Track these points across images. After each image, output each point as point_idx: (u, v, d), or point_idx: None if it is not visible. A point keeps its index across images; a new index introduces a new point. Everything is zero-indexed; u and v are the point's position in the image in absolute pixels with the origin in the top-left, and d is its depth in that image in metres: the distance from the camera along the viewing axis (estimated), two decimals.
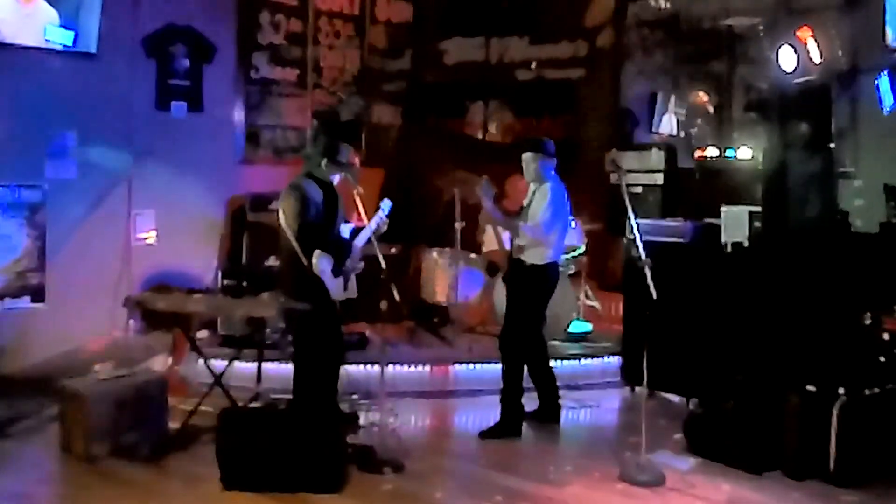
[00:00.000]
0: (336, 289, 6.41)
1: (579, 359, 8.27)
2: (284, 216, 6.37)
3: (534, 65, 11.04)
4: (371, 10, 10.94)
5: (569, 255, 8.74)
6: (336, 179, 6.53)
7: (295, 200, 6.29)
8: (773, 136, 6.98)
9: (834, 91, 7.50)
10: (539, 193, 6.76)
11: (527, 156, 6.84)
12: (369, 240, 6.48)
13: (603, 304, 9.64)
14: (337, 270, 6.38)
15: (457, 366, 7.99)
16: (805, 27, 7.03)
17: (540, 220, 6.65)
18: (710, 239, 7.40)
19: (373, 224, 6.54)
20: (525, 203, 6.88)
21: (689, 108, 10.46)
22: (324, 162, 6.47)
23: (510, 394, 6.80)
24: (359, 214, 6.47)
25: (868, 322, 6.68)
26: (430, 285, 9.25)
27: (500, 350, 6.91)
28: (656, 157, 9.18)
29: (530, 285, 6.81)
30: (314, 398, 6.40)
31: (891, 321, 6.58)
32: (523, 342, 6.86)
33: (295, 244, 6.27)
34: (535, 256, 6.74)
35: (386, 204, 6.70)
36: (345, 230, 6.66)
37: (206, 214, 9.33)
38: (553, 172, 6.85)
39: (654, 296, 5.82)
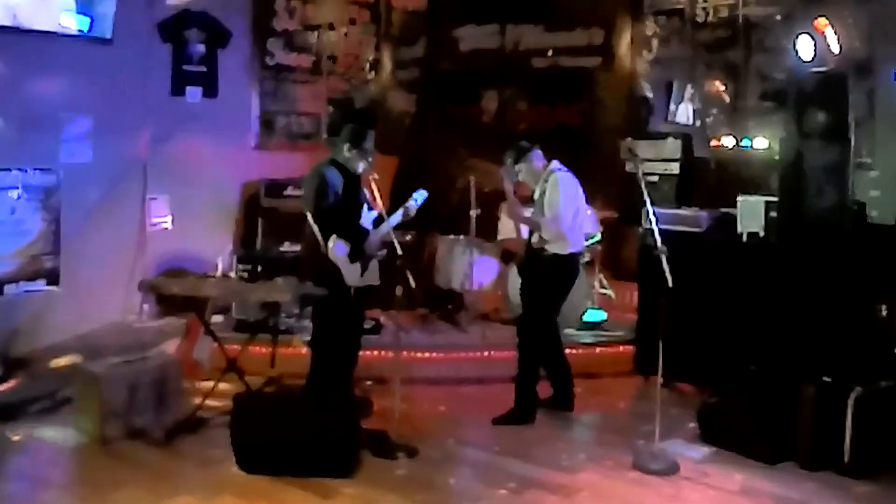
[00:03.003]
0: (351, 275, 6.41)
1: (593, 347, 8.27)
2: (304, 201, 6.40)
3: (550, 52, 11.00)
4: None
5: (585, 243, 8.72)
6: (361, 167, 6.52)
7: (314, 185, 6.32)
8: (790, 126, 6.93)
9: (851, 81, 7.43)
10: (550, 184, 6.72)
11: (519, 169, 6.84)
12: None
13: (617, 293, 9.62)
14: (354, 256, 6.39)
15: (470, 352, 8.00)
16: (822, 17, 6.98)
17: (558, 212, 6.62)
18: (725, 229, 7.38)
19: (400, 212, 6.54)
20: (536, 194, 6.83)
21: (705, 98, 10.42)
22: (346, 147, 6.47)
23: (525, 381, 6.79)
24: (374, 200, 6.46)
25: (884, 313, 6.66)
26: (444, 272, 9.25)
27: (518, 338, 6.90)
28: (672, 147, 9.14)
29: (551, 275, 6.79)
30: (329, 383, 6.43)
31: None
32: (541, 332, 6.85)
33: (315, 229, 6.30)
34: (557, 247, 6.71)
35: (420, 194, 6.67)
36: (368, 217, 6.65)
37: (220, 200, 9.37)
38: (546, 160, 6.84)
39: (670, 285, 5.80)
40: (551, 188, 6.69)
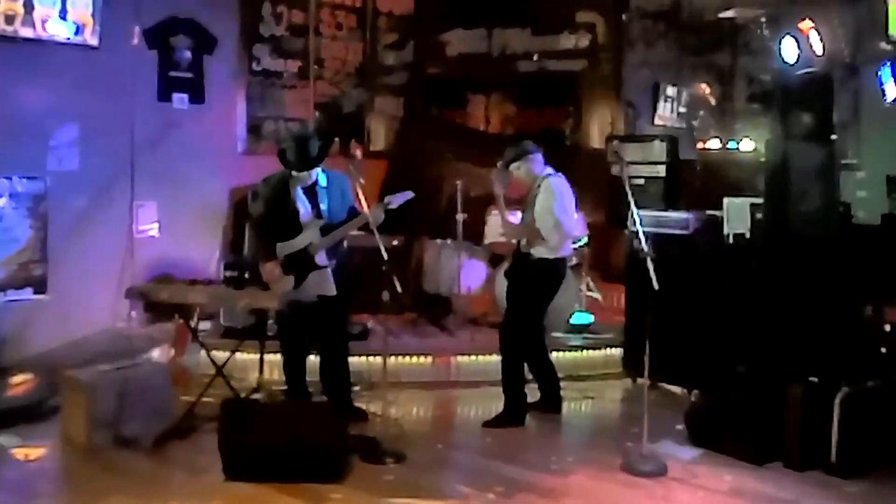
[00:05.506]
0: (276, 284, 6.45)
1: (581, 350, 8.27)
2: None
3: (536, 56, 11.03)
4: (373, 2, 10.94)
5: (573, 246, 8.74)
6: (311, 177, 6.48)
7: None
8: (776, 128, 6.96)
9: (836, 82, 7.48)
10: (543, 189, 6.70)
11: (514, 168, 6.83)
12: (372, 232, 6.36)
13: (604, 295, 9.64)
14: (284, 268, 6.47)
15: (459, 356, 8.00)
16: (807, 18, 7.02)
17: (557, 218, 6.61)
18: (712, 231, 7.39)
19: (355, 223, 6.48)
20: (529, 199, 6.83)
21: (691, 100, 10.46)
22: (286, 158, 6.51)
23: (512, 383, 6.80)
24: (360, 206, 6.43)
25: (870, 313, 6.69)
26: (432, 276, 9.25)
27: (500, 341, 6.89)
28: (658, 149, 9.17)
29: (539, 280, 6.80)
30: (293, 388, 6.66)
31: (892, 312, 6.58)
32: (523, 335, 6.86)
33: None
34: (545, 251, 6.71)
35: (394, 198, 6.51)
36: (314, 227, 6.53)
37: (208, 206, 9.35)
38: (545, 164, 6.85)
39: (656, 287, 5.82)
40: (545, 193, 6.68)
